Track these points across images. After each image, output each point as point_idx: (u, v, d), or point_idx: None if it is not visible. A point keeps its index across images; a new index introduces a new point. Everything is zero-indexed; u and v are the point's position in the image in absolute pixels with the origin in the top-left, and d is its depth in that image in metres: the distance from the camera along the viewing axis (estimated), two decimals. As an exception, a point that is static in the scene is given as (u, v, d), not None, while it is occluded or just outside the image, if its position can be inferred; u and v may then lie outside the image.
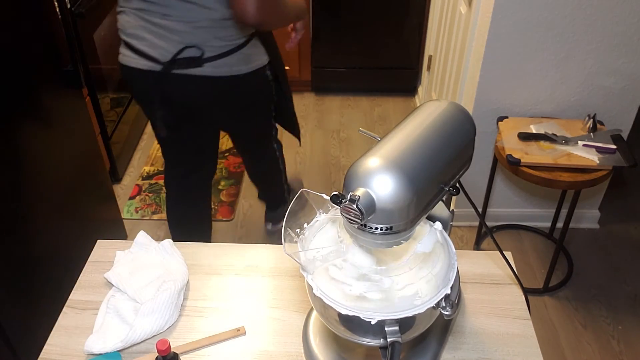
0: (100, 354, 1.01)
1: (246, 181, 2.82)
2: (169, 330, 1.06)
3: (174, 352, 0.94)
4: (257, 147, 2.09)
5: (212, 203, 2.14)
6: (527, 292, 1.09)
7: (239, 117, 1.84)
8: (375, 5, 3.13)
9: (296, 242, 0.88)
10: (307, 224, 0.91)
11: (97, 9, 2.52)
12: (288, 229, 0.86)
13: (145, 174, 2.86)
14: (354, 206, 0.72)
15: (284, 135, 2.15)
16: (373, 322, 0.79)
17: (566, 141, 1.99)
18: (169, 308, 1.06)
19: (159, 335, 1.05)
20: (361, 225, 0.76)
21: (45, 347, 1.04)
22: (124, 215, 2.59)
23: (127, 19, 1.60)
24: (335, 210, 0.91)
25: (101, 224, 2.20)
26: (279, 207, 2.43)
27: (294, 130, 2.09)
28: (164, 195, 2.71)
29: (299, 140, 2.17)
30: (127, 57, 1.64)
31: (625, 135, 2.17)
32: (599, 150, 1.95)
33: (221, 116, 1.82)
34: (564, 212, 2.29)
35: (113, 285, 1.14)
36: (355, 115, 3.37)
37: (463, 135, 0.85)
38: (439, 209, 0.94)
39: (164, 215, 2.61)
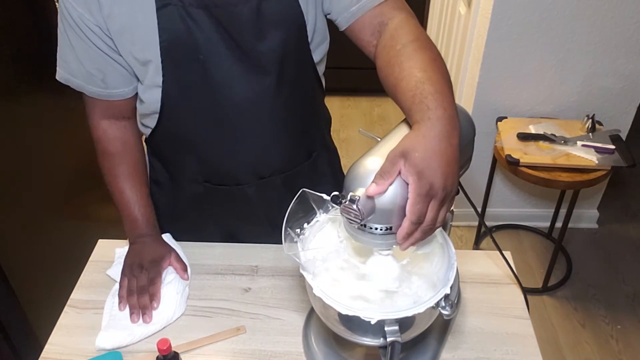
0: (108, 351, 1.01)
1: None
2: (169, 330, 1.06)
3: (174, 352, 0.94)
4: None
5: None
6: (526, 291, 1.10)
7: None
8: (375, 5, 3.13)
9: (296, 242, 0.88)
10: (307, 224, 0.91)
11: (97, 9, 2.52)
12: (288, 229, 0.86)
13: (145, 174, 2.86)
14: (354, 206, 0.72)
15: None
16: (373, 322, 0.79)
17: (565, 141, 2.00)
18: (174, 298, 1.07)
19: (168, 327, 1.06)
20: (361, 225, 0.76)
21: (46, 346, 1.04)
22: (124, 215, 2.59)
23: None
24: (335, 210, 0.91)
25: (102, 224, 2.20)
26: None
27: None
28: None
29: None
30: None
31: (624, 135, 2.17)
32: (598, 150, 1.95)
33: None
34: (562, 212, 2.30)
35: (116, 281, 1.14)
36: (355, 115, 3.37)
37: (463, 135, 0.85)
38: (439, 209, 0.94)
39: (163, 215, 2.61)
